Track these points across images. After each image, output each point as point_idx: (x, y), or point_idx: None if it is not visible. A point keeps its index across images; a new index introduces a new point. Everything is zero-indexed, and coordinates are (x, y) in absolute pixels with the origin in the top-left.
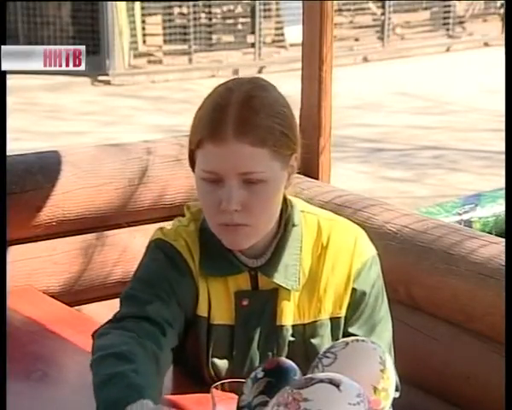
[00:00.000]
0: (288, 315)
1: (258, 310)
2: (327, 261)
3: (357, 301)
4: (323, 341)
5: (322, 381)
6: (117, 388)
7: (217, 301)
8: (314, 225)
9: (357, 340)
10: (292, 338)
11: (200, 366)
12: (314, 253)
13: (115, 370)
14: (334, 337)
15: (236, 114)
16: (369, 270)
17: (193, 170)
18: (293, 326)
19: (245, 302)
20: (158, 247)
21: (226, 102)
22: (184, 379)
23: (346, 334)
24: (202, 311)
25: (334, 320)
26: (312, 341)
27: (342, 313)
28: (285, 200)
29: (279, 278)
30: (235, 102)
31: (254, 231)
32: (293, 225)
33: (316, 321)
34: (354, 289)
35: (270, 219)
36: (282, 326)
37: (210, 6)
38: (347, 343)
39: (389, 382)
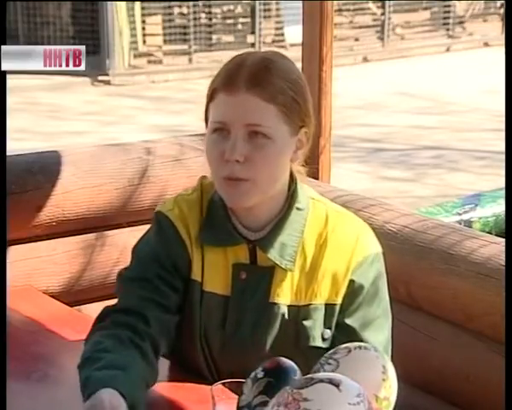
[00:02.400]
0: (283, 294)
1: (254, 285)
2: (328, 249)
3: (354, 292)
4: (315, 324)
5: (322, 381)
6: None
7: (213, 270)
8: (322, 214)
9: (360, 347)
10: (284, 318)
11: (193, 337)
12: (318, 240)
13: (87, 374)
14: (327, 324)
15: (250, 70)
16: (369, 265)
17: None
18: (289, 307)
19: (243, 275)
20: (155, 219)
21: (243, 60)
22: (179, 362)
23: (341, 324)
24: (196, 275)
25: (328, 306)
26: (304, 322)
27: (338, 301)
28: (292, 180)
29: (274, 255)
30: (252, 61)
31: (254, 188)
32: (298, 209)
33: (310, 304)
34: (352, 281)
35: (270, 179)
36: (275, 304)
37: (210, 6)
38: (350, 350)
39: (391, 390)
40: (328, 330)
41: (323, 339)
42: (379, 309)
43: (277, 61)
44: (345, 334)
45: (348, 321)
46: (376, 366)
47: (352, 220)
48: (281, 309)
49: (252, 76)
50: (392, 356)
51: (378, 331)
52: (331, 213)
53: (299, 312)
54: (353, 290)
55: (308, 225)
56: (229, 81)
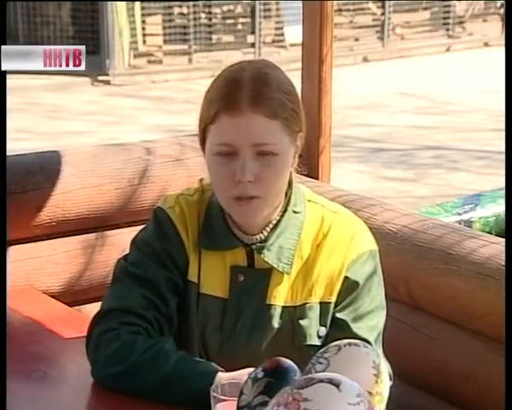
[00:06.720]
0: (279, 296)
1: (252, 287)
2: (324, 249)
3: (348, 289)
4: (311, 323)
5: (322, 381)
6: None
7: (210, 273)
8: (319, 215)
9: (350, 344)
10: (280, 319)
11: (190, 339)
12: (314, 241)
13: (163, 371)
14: (322, 322)
15: (251, 87)
16: (364, 262)
17: (202, 149)
18: (284, 307)
19: (241, 278)
20: (156, 216)
21: (240, 77)
22: None
23: (334, 319)
24: (192, 277)
25: (323, 305)
26: (301, 322)
27: (332, 299)
28: (289, 183)
29: (271, 258)
30: (249, 77)
31: (264, 203)
32: (295, 212)
33: (306, 303)
34: (347, 278)
35: (278, 193)
36: (271, 305)
37: (210, 6)
38: (340, 348)
39: (383, 385)
40: (323, 328)
41: (319, 337)
42: (372, 304)
43: (272, 72)
44: (337, 328)
45: (340, 315)
46: (367, 362)
47: (347, 219)
48: (277, 310)
49: (253, 94)
50: (389, 354)
51: (370, 325)
52: (327, 215)
53: (296, 312)
54: (347, 287)
55: (305, 227)
56: (231, 102)
